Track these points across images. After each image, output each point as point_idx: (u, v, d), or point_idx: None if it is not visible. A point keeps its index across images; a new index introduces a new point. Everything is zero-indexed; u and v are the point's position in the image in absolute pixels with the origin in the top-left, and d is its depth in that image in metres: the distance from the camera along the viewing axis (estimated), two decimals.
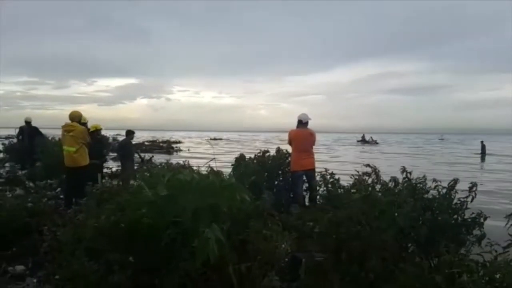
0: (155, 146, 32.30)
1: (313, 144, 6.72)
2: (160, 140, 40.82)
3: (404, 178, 3.59)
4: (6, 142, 19.63)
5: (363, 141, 46.55)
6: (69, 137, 6.63)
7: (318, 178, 4.05)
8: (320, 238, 2.60)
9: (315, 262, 2.71)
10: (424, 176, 3.67)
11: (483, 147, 28.87)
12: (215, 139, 55.19)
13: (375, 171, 3.54)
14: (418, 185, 3.55)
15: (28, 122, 12.23)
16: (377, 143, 44.86)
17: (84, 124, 8.23)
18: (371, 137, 47.24)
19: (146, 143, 33.78)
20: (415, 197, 3.35)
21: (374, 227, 2.51)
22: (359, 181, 3.19)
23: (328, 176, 3.86)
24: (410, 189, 3.46)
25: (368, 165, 3.60)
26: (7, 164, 12.57)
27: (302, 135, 6.60)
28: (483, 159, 26.31)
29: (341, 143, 48.55)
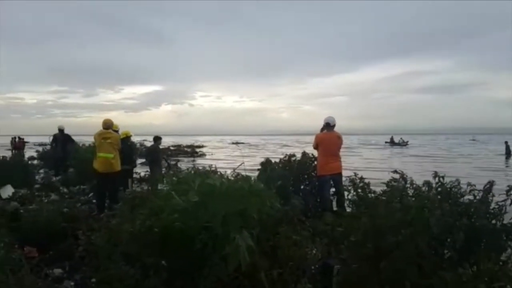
0: (180, 151, 32.92)
1: (340, 148, 6.63)
2: (184, 145, 41.50)
3: (437, 183, 3.47)
4: (40, 149, 20.53)
5: (392, 142, 45.44)
6: (107, 144, 6.84)
7: (346, 182, 3.97)
8: (356, 247, 2.55)
9: (349, 270, 2.66)
10: (457, 180, 3.54)
11: (507, 147, 28.16)
12: (237, 143, 55.39)
13: (403, 177, 3.43)
14: (453, 189, 3.42)
15: (61, 130, 12.71)
16: (407, 144, 43.66)
17: (116, 131, 8.52)
18: (401, 138, 46.04)
19: (172, 148, 34.45)
20: (450, 202, 3.23)
21: (408, 233, 2.44)
22: (391, 188, 3.11)
23: (358, 181, 3.77)
24: (445, 194, 3.34)
25: (395, 171, 3.49)
26: (41, 171, 13.13)
27: (330, 138, 6.51)
28: (507, 159, 25.78)
29: (367, 146, 47.59)
